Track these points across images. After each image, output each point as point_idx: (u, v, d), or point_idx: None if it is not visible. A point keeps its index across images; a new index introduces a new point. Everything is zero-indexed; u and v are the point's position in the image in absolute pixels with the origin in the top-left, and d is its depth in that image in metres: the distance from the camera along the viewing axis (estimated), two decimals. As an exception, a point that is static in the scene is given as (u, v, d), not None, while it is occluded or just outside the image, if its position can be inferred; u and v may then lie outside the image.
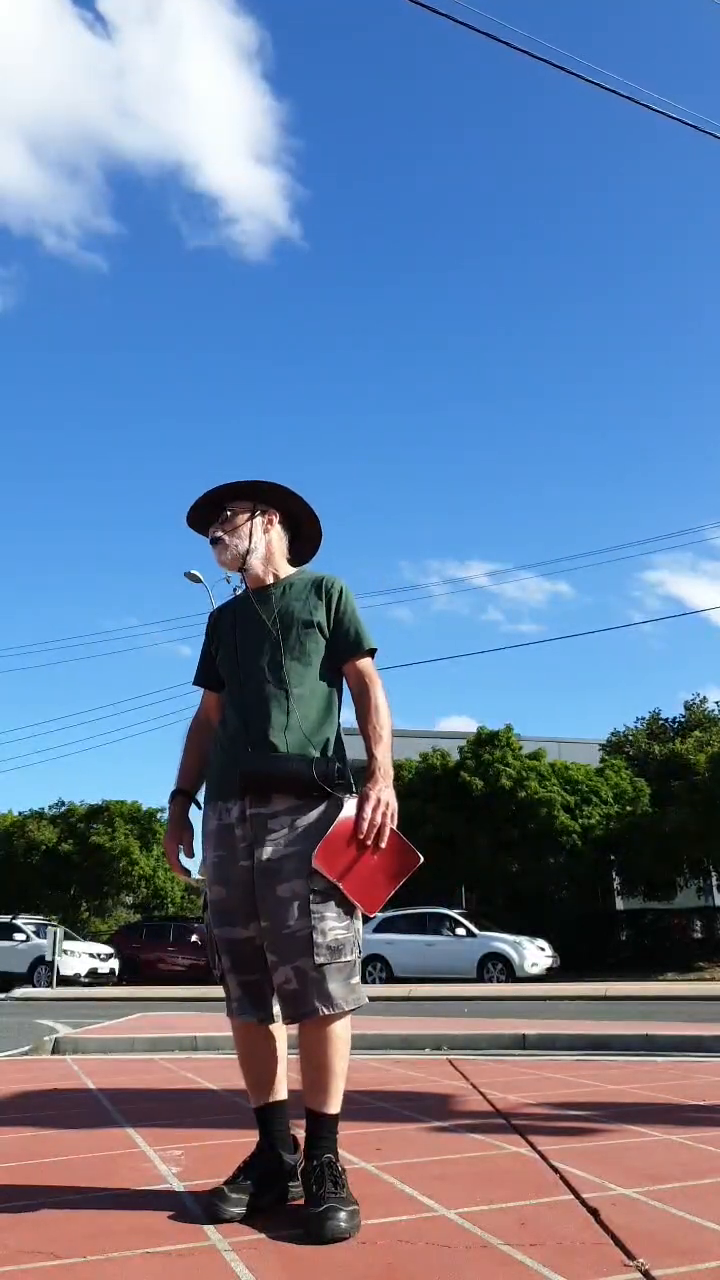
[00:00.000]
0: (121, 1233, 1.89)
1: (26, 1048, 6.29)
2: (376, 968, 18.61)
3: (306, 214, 71.06)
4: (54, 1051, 6.12)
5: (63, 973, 19.10)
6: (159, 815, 32.37)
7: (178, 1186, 2.27)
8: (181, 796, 2.37)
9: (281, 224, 69.98)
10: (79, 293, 70.86)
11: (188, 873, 2.41)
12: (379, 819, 2.10)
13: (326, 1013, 2.02)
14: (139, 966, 20.70)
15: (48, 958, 19.54)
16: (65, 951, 19.53)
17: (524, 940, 18.53)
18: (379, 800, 2.11)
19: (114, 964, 20.65)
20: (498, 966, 17.79)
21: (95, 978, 19.92)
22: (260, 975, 2.13)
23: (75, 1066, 4.87)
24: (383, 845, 2.10)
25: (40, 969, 19.86)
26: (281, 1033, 2.20)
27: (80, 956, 19.98)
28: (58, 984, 19.00)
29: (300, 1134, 2.13)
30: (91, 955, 20.36)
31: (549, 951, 18.77)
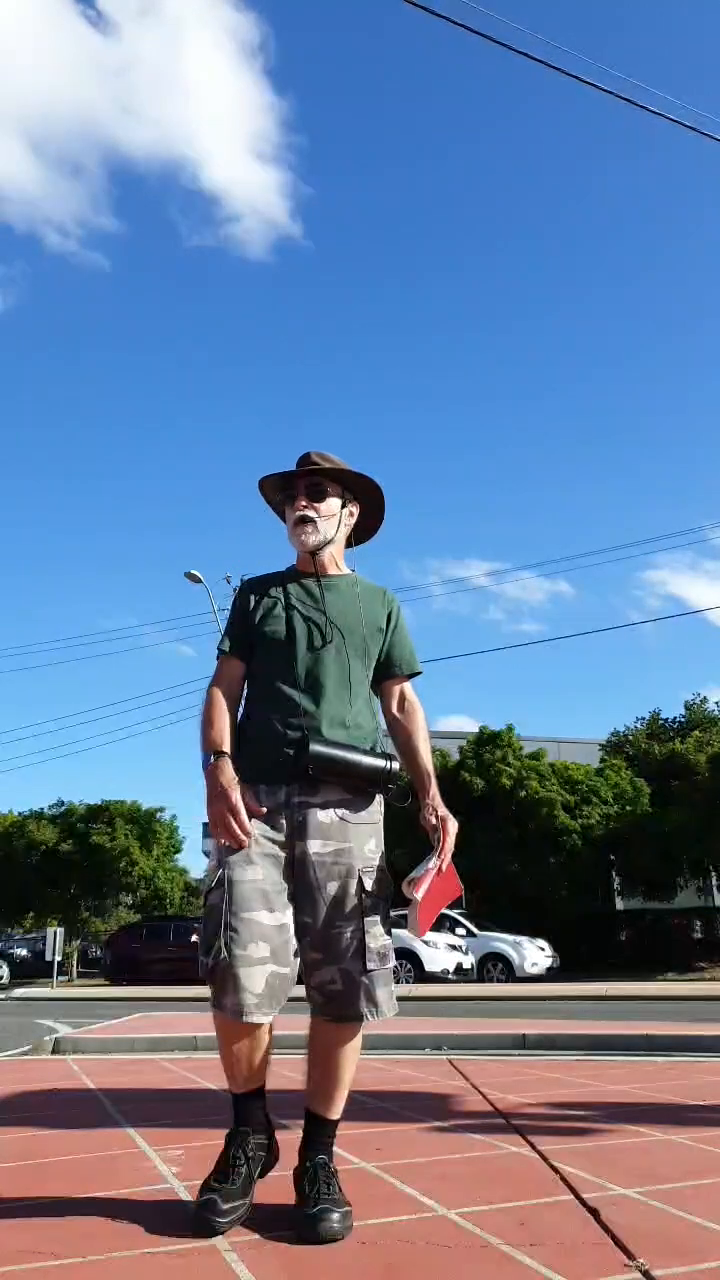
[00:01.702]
0: (121, 1233, 1.89)
1: (26, 1048, 6.29)
2: None
3: (308, 212, 71.13)
4: (54, 1051, 6.12)
5: (427, 969, 16.96)
6: (158, 815, 32.37)
7: (178, 1186, 2.27)
8: (226, 759, 2.08)
9: (283, 222, 70.03)
10: (81, 292, 70.91)
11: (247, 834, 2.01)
12: (453, 844, 2.12)
13: (372, 1019, 2.01)
14: (139, 966, 20.67)
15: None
16: (428, 943, 17.13)
17: (524, 940, 18.27)
18: (455, 825, 2.14)
19: (472, 959, 18.18)
20: (498, 966, 17.48)
21: (460, 973, 17.54)
22: (289, 970, 1.99)
23: (75, 1066, 4.87)
24: (444, 870, 2.10)
25: (491, 966, 17.44)
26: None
27: (442, 950, 17.49)
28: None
29: (281, 1133, 2.12)
30: (453, 947, 17.92)
31: (549, 951, 18.51)
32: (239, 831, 1.98)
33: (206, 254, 72.89)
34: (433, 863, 2.09)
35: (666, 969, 20.30)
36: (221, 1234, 1.84)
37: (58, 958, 21.71)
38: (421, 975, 16.74)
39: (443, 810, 2.14)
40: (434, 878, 2.08)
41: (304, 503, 2.24)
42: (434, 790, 2.18)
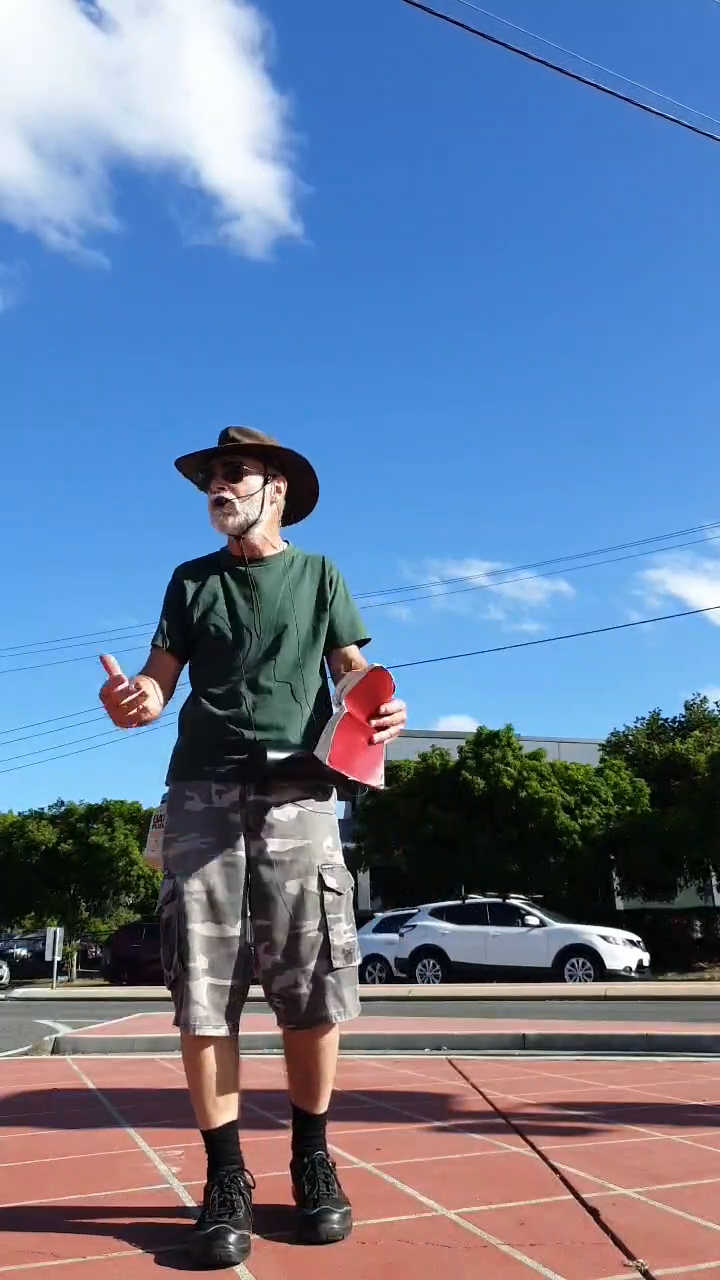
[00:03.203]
0: (121, 1233, 1.89)
1: (26, 1048, 6.30)
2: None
3: (309, 211, 71.00)
4: (54, 1051, 6.12)
5: (608, 966, 15.62)
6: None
7: (178, 1186, 2.27)
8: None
9: (283, 221, 69.88)
10: (81, 291, 70.88)
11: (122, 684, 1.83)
12: (401, 719, 1.99)
13: (339, 1019, 1.96)
14: (139, 966, 20.68)
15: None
16: (606, 939, 16.15)
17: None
18: (403, 705, 1.99)
19: (645, 955, 16.80)
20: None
21: (642, 970, 16.32)
22: (239, 982, 1.93)
23: (75, 1066, 4.87)
24: (383, 741, 1.97)
25: (574, 961, 15.85)
26: (236, 1042, 1.99)
27: (621, 945, 16.24)
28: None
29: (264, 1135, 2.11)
30: (631, 943, 16.57)
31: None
32: (124, 701, 1.82)
33: (207, 253, 72.88)
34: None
35: (666, 969, 20.29)
36: (238, 1264, 1.69)
37: (58, 958, 21.72)
38: (602, 973, 15.43)
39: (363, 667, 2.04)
40: (365, 737, 1.94)
41: (219, 484, 2.14)
42: (358, 667, 2.10)
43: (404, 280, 72.27)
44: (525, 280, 69.78)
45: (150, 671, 2.12)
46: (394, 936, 17.93)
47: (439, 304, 70.13)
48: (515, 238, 70.70)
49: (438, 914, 17.49)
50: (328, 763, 1.88)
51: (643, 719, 29.81)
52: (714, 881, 25.99)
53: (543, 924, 16.61)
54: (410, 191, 72.77)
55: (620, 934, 16.73)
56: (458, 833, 22.35)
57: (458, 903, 17.52)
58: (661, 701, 56.25)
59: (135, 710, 1.86)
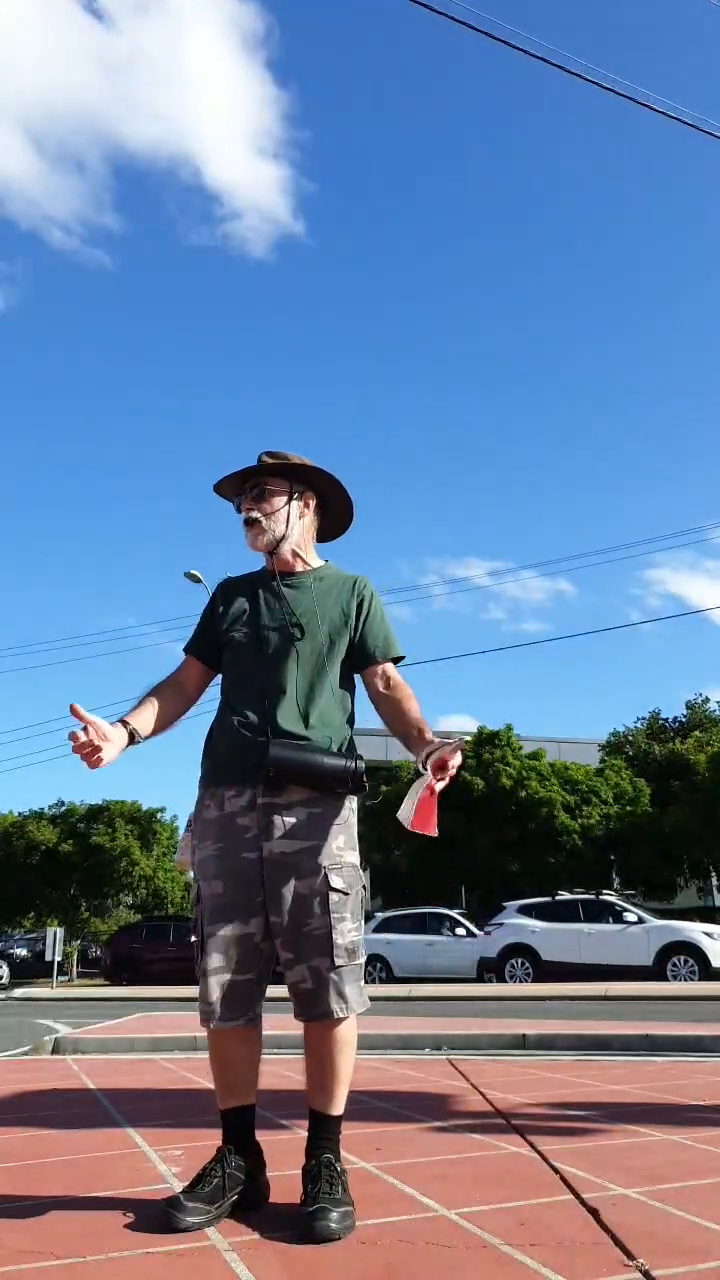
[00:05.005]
0: (121, 1233, 1.89)
1: (26, 1048, 6.30)
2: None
3: (310, 210, 70.88)
4: (54, 1051, 6.13)
5: (713, 964, 14.78)
6: (159, 815, 32.42)
7: (177, 1187, 2.27)
8: (121, 724, 2.10)
9: (285, 220, 69.76)
10: (83, 290, 70.84)
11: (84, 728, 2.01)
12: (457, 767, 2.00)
13: (341, 1015, 2.02)
14: (139, 966, 20.70)
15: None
16: (709, 935, 15.26)
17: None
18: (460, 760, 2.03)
19: None
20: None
21: None
22: (255, 975, 2.05)
23: (75, 1066, 4.87)
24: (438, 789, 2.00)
25: (677, 960, 14.91)
26: (260, 1035, 2.13)
27: None
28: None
29: (276, 1135, 2.12)
30: None
31: None
32: (75, 749, 1.98)
33: (208, 252, 72.87)
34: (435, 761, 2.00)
35: (667, 969, 20.27)
36: (184, 1230, 1.87)
37: (58, 958, 21.72)
38: (707, 972, 14.68)
39: (438, 741, 2.01)
40: (429, 793, 1.99)
41: (248, 505, 2.27)
42: (429, 734, 2.05)
43: (405, 280, 72.28)
44: (529, 280, 69.80)
45: (173, 676, 2.30)
46: (394, 936, 17.85)
47: (440, 304, 70.14)
48: (518, 237, 70.75)
49: (526, 911, 16.65)
50: (409, 825, 1.98)
51: (643, 719, 29.85)
52: (714, 881, 26.02)
53: (641, 921, 15.82)
54: (413, 190, 72.77)
55: None
56: (458, 833, 22.35)
57: (547, 899, 16.85)
58: (662, 701, 56.21)
59: (87, 759, 1.99)
